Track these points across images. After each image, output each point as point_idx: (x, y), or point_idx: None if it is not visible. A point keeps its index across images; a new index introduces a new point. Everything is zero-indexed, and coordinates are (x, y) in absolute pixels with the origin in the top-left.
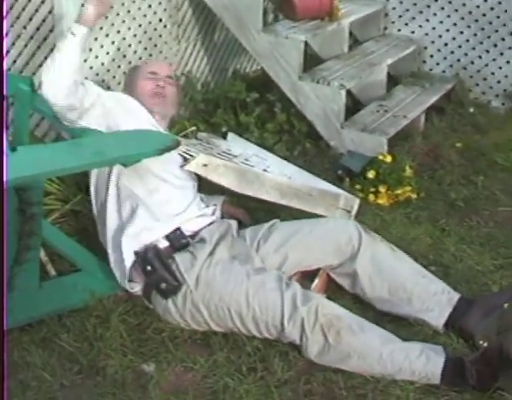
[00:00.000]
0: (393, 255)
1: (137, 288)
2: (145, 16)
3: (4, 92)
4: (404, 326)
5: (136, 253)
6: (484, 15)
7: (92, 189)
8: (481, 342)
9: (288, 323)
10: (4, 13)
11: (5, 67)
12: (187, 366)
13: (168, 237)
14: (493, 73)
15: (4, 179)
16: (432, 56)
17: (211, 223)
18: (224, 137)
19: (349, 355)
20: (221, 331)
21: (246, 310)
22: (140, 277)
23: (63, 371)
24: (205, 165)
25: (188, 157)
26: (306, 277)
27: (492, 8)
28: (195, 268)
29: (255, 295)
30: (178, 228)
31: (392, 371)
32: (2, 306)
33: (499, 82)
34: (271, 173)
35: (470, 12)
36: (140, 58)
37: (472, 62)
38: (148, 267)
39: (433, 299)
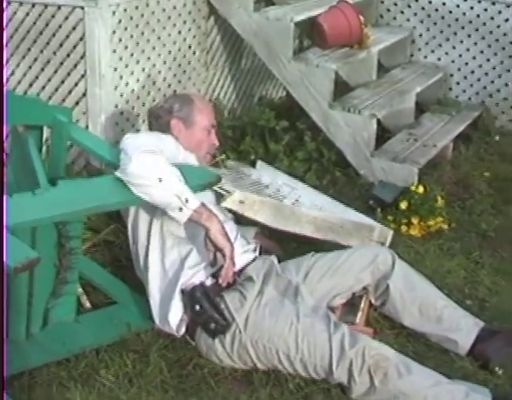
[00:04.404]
0: (423, 278)
1: (181, 331)
2: (175, 42)
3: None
4: (445, 362)
5: (182, 291)
6: (511, 43)
7: (129, 228)
8: (497, 369)
9: (337, 366)
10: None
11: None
12: None
13: (214, 275)
14: None
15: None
16: (458, 83)
17: (254, 259)
18: (253, 165)
19: (395, 397)
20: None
21: (295, 352)
22: (185, 314)
23: None
24: (242, 202)
25: (223, 193)
26: (349, 311)
27: None
28: (245, 308)
29: (304, 337)
30: (222, 266)
31: None
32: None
33: None
34: (303, 204)
35: (497, 40)
36: (169, 85)
37: (498, 90)
38: (197, 307)
39: (462, 320)
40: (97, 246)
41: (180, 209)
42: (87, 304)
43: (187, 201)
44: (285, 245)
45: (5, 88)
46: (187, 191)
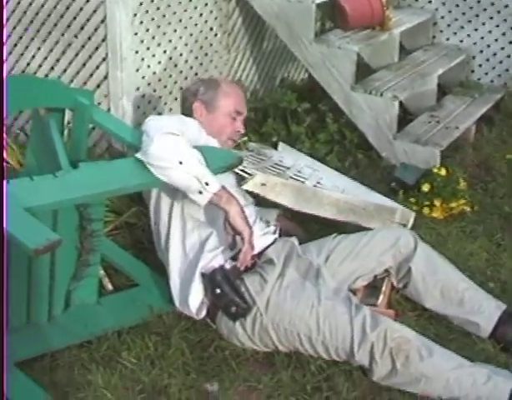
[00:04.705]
0: (446, 261)
1: (202, 314)
2: (196, 25)
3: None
4: (466, 344)
5: (202, 275)
6: None
7: (151, 210)
8: None
9: (358, 349)
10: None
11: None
12: (251, 385)
13: (234, 258)
14: None
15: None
16: (480, 65)
17: (274, 242)
18: (275, 147)
19: (416, 379)
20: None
21: (316, 334)
22: (205, 298)
23: (125, 390)
24: (263, 184)
25: (245, 175)
26: (371, 293)
27: None
28: (266, 291)
29: (325, 320)
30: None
31: (458, 395)
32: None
33: None
34: (324, 186)
35: None
36: (191, 68)
37: None
38: (218, 290)
39: (484, 302)
40: (119, 228)
41: (200, 192)
42: (110, 286)
43: (207, 184)
44: (307, 227)
45: (4, 86)
46: (207, 174)
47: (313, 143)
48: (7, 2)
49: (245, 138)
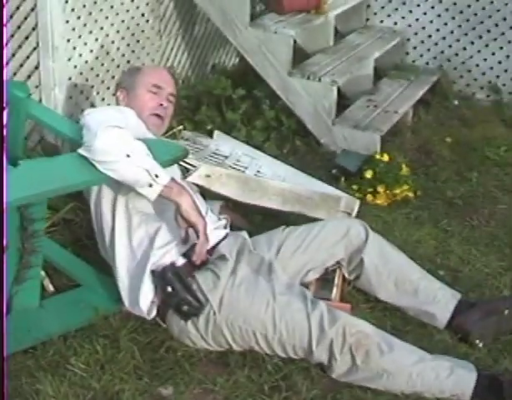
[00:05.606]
0: (397, 250)
1: (152, 314)
2: (128, 11)
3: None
4: (423, 335)
5: (152, 272)
6: (469, 6)
7: (92, 207)
8: (477, 342)
9: (317, 346)
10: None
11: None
12: (206, 387)
13: (185, 254)
14: (477, 65)
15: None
16: (415, 47)
17: (225, 236)
18: (210, 135)
19: (378, 375)
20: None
21: (272, 333)
22: (155, 297)
23: (76, 398)
24: (208, 175)
25: (188, 167)
26: (323, 286)
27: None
28: (219, 289)
29: (282, 317)
30: (195, 244)
31: (421, 390)
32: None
33: (483, 74)
34: (265, 175)
35: (455, 4)
36: (123, 55)
37: (456, 54)
38: (169, 289)
39: (438, 292)
40: (56, 225)
41: (150, 185)
42: (51, 288)
43: (157, 176)
44: (250, 218)
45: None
46: (156, 166)
47: (250, 131)
48: None
49: (180, 127)
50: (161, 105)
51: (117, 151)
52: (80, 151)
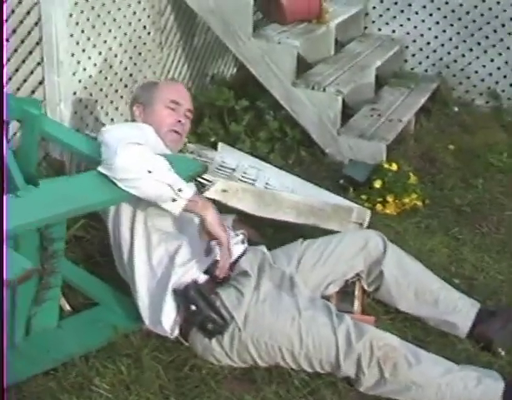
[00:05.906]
0: (415, 260)
1: (175, 333)
2: (130, 23)
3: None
4: (446, 345)
5: (174, 291)
6: (468, 13)
7: (109, 226)
8: (500, 350)
9: (345, 360)
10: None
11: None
12: None
13: (207, 271)
14: (476, 72)
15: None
16: (414, 55)
17: (244, 252)
18: (214, 147)
19: (407, 387)
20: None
21: (299, 348)
22: (178, 315)
23: None
24: (224, 191)
25: (204, 182)
26: (343, 299)
27: (475, 6)
28: (243, 306)
29: (308, 332)
30: (217, 260)
31: None
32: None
33: (482, 80)
34: (273, 187)
35: (453, 11)
36: (125, 68)
37: (455, 61)
38: (192, 307)
39: (458, 302)
40: (67, 243)
41: (173, 200)
42: (68, 307)
43: (180, 190)
44: (262, 231)
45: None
46: (179, 180)
47: (254, 142)
48: None
49: (185, 139)
50: (179, 121)
51: (139, 168)
52: (100, 169)
